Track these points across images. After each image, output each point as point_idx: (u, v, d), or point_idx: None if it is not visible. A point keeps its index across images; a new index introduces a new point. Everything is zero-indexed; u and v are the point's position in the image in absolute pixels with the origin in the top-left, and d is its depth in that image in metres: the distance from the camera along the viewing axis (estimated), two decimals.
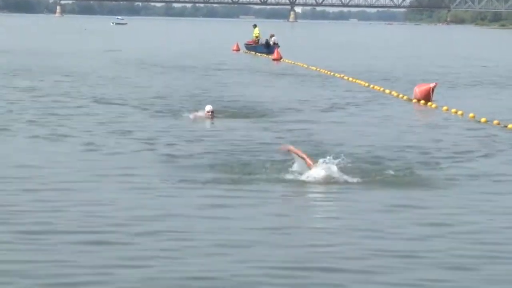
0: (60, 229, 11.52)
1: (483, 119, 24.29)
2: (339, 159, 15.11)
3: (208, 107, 22.76)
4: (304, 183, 14.79)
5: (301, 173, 15.02)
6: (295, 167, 15.34)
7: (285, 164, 15.80)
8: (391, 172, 15.62)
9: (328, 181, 14.72)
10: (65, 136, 19.96)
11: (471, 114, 25.36)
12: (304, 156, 15.06)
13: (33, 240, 10.96)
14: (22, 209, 12.52)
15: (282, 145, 16.41)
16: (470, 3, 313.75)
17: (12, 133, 20.26)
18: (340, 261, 10.44)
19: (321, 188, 14.66)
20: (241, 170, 15.70)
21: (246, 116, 24.58)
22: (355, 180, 14.87)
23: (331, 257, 10.64)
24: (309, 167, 14.87)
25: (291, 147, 15.58)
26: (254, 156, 17.39)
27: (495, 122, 23.64)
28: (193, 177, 15.06)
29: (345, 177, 14.87)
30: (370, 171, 15.75)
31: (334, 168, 14.85)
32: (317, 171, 14.78)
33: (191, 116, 23.62)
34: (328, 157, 15.04)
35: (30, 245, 10.72)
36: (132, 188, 14.38)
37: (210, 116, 22.49)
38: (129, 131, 20.75)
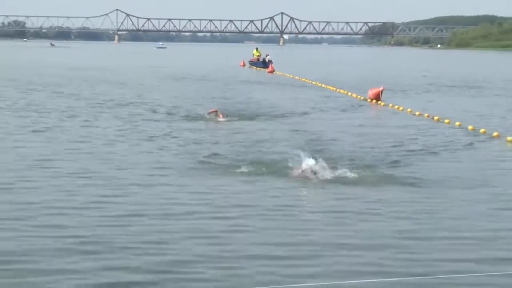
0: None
1: (417, 113, 24.38)
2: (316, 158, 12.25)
3: None
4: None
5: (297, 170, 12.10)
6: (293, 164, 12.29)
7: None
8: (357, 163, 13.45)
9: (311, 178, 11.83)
10: (101, 127, 19.01)
11: (409, 109, 25.41)
12: None
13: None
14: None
15: None
16: (407, 31, 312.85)
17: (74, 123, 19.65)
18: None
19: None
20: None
21: (241, 115, 22.80)
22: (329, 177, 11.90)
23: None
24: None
25: None
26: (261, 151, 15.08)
27: (426, 115, 23.73)
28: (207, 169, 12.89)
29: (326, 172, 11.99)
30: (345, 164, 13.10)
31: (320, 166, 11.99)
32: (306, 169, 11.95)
33: (208, 116, 21.44)
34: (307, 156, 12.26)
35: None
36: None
37: None
38: (160, 130, 19.46)
